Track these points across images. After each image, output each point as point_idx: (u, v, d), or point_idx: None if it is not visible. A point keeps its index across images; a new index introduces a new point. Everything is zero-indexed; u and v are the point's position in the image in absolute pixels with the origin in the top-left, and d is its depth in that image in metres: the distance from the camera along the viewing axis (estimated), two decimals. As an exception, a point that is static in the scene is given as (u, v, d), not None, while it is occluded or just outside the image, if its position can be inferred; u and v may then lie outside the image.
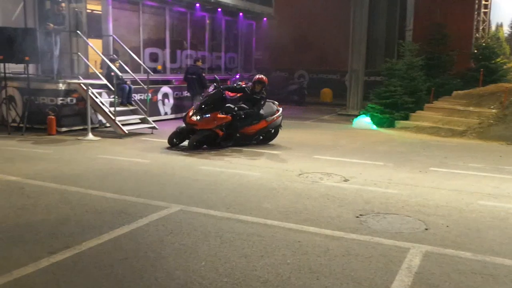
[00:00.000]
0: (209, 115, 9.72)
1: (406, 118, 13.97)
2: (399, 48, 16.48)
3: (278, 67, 22.87)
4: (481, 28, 16.27)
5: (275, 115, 10.59)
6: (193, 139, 9.68)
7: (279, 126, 10.79)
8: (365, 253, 4.57)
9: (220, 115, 9.78)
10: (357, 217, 5.67)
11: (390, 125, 13.86)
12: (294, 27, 20.90)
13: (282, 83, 21.31)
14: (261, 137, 10.61)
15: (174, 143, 9.94)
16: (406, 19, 19.44)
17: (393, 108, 14.06)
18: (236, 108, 10.04)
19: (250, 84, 10.54)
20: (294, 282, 3.92)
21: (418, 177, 7.81)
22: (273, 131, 10.76)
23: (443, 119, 13.14)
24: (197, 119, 9.67)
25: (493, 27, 16.52)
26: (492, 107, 13.05)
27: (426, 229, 5.33)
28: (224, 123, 9.82)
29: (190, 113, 9.84)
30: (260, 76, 10.59)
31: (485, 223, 5.60)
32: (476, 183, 7.49)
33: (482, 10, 16.15)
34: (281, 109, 10.93)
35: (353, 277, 4.05)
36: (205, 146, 9.89)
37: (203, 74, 14.18)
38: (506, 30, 16.65)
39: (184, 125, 9.94)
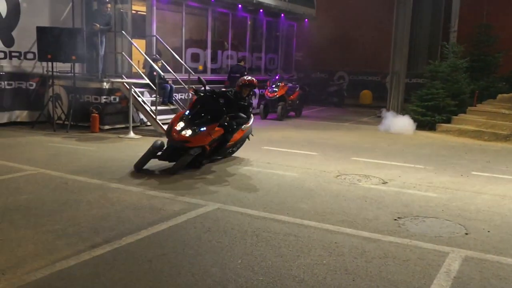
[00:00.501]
0: (204, 128, 7.69)
1: (448, 121, 13.65)
2: (442, 50, 16.14)
3: (318, 69, 22.76)
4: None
5: (249, 123, 8.88)
6: (183, 161, 7.47)
7: (248, 135, 9.14)
8: (403, 256, 4.51)
9: (217, 128, 7.85)
10: (395, 219, 5.60)
11: (431, 128, 13.58)
12: (335, 28, 20.75)
13: (321, 84, 21.20)
14: (235, 149, 8.90)
15: (141, 168, 7.59)
16: (450, 20, 18.99)
17: (434, 111, 13.78)
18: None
19: (235, 88, 8.63)
20: (330, 283, 3.92)
21: (460, 181, 7.64)
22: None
23: (487, 123, 12.77)
24: (189, 134, 7.54)
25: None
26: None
27: (466, 233, 5.22)
28: (216, 137, 7.92)
29: (178, 127, 7.64)
30: (248, 79, 8.74)
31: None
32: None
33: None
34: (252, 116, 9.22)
35: (389, 280, 4.01)
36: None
37: (245, 74, 14.29)
38: None
39: (163, 142, 7.73)
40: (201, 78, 8.56)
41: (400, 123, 13.26)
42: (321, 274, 4.08)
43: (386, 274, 4.11)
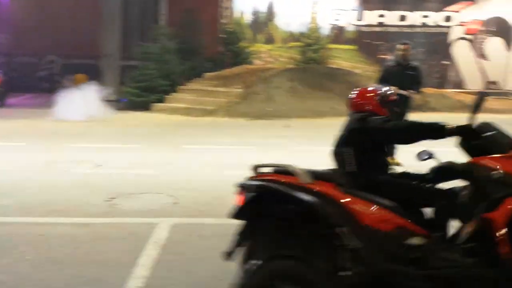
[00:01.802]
0: None
1: (161, 100, 14.26)
2: (154, 33, 16.63)
3: (25, 52, 20.82)
4: (227, 14, 17.56)
5: None
6: None
7: None
8: (114, 235, 4.54)
9: None
10: (107, 200, 5.58)
11: (147, 108, 13.97)
12: (40, 7, 19.22)
13: (30, 69, 19.49)
14: None
15: None
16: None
17: (148, 91, 14.21)
18: None
19: None
20: (35, 278, 3.67)
21: (171, 156, 8.08)
22: None
23: (196, 100, 13.83)
24: None
25: (237, 14, 17.99)
26: (237, 87, 14.25)
27: (175, 203, 5.56)
28: None
29: None
30: None
31: (228, 190, 6.08)
32: (224, 156, 8.12)
33: (226, -3, 17.50)
34: None
35: (98, 261, 3.99)
36: None
37: None
38: (247, 17, 18.32)
39: None
40: None
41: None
42: (25, 271, 3.78)
43: (95, 256, 4.08)
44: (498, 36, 18.31)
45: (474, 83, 18.47)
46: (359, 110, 3.41)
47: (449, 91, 17.10)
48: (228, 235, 4.51)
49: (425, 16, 18.42)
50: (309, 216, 2.84)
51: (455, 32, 18.43)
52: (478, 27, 18.30)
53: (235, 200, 3.09)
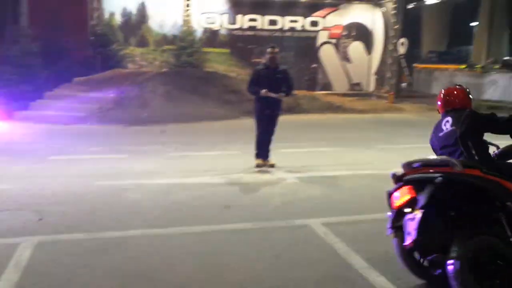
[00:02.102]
0: None
1: (26, 108, 13.18)
2: (13, 34, 15.33)
3: None
4: (95, 16, 16.72)
5: None
6: None
7: None
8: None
9: None
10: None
11: (10, 117, 12.81)
12: None
13: None
14: None
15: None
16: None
17: (10, 99, 13.04)
18: None
19: None
20: None
21: (35, 168, 7.45)
22: None
23: (65, 106, 12.86)
24: None
25: (107, 15, 17.22)
26: (110, 92, 13.67)
27: (41, 219, 5.13)
28: None
29: None
30: None
31: (100, 202, 5.80)
32: (95, 166, 7.70)
33: (95, -2, 16.64)
34: None
35: None
36: None
37: None
38: (118, 18, 17.62)
39: None
40: None
41: None
42: None
43: None
44: (359, 40, 19.74)
45: (340, 85, 19.73)
46: (455, 107, 3.93)
47: (318, 93, 18.05)
48: (101, 250, 4.31)
49: (294, 21, 19.26)
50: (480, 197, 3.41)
51: (321, 37, 19.51)
52: (341, 31, 19.57)
53: (400, 195, 3.55)
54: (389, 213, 3.73)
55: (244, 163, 7.73)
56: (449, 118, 3.87)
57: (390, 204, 3.71)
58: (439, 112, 4.09)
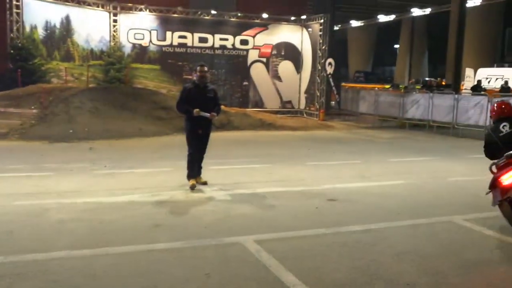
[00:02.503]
0: None
1: None
2: None
3: None
4: (15, 28, 15.92)
5: None
6: None
7: None
8: None
9: None
10: None
11: None
12: None
13: None
14: None
15: None
16: None
17: None
18: None
19: None
20: None
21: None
22: None
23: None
24: None
25: (28, 29, 16.46)
26: (33, 107, 13.06)
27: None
28: None
29: None
30: None
31: (19, 223, 5.45)
32: (15, 184, 7.27)
33: (14, 10, 15.81)
34: None
35: None
36: None
37: None
38: (41, 32, 16.89)
39: None
40: None
41: None
42: None
43: None
44: (288, 59, 20.22)
45: (272, 103, 20.06)
46: (507, 115, 5.64)
47: (250, 110, 18.23)
48: (21, 274, 4.02)
49: (224, 39, 19.41)
50: None
51: (252, 55, 19.80)
52: (270, 50, 19.96)
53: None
54: (492, 192, 5.31)
55: (175, 181, 7.59)
56: (506, 123, 5.55)
57: (496, 185, 5.20)
58: (491, 117, 5.94)
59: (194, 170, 7.34)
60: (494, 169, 5.38)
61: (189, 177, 7.32)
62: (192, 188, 7.18)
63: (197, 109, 7.07)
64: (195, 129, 7.27)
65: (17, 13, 15.90)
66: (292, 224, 5.71)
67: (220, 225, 5.61)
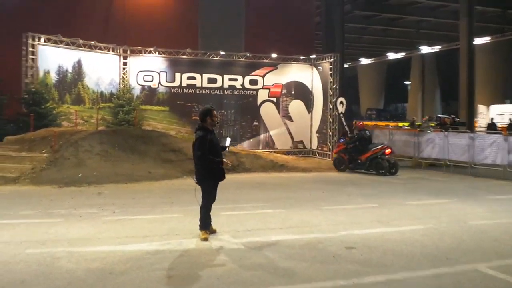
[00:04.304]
0: None
1: None
2: None
3: None
4: (30, 74, 16.11)
5: None
6: None
7: None
8: None
9: None
10: None
11: None
12: None
13: None
14: None
15: None
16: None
17: None
18: None
19: None
20: None
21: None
22: None
23: (-5, 167, 12.22)
24: None
25: (41, 74, 16.65)
26: (43, 151, 13.03)
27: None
28: None
29: None
30: None
31: (31, 272, 5.32)
32: (26, 231, 7.15)
33: (30, 56, 16.05)
34: None
35: None
36: None
37: None
38: (53, 76, 17.06)
39: None
40: None
41: None
42: None
43: None
44: (299, 99, 20.18)
45: (283, 143, 19.91)
46: None
47: (261, 151, 18.08)
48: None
49: (233, 79, 19.50)
50: None
51: (261, 95, 19.81)
52: (280, 90, 19.98)
53: None
54: None
55: (185, 227, 7.39)
56: None
57: None
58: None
59: (208, 220, 7.09)
60: None
61: (203, 228, 6.98)
62: (205, 240, 6.81)
63: (228, 161, 7.02)
64: (221, 179, 7.00)
65: (32, 59, 16.12)
66: (308, 274, 5.45)
67: (232, 276, 5.38)
